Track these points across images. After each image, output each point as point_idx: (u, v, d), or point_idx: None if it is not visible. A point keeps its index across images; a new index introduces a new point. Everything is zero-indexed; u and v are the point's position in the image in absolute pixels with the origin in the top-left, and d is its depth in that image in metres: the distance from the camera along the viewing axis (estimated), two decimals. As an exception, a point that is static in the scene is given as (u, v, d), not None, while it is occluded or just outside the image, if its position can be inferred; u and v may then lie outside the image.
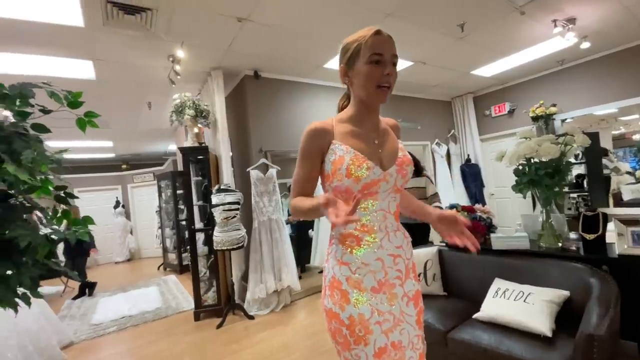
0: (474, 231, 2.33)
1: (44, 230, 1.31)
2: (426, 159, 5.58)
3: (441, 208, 2.93)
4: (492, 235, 2.22)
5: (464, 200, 5.46)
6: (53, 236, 1.17)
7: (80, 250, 4.60)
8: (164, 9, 2.38)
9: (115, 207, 7.49)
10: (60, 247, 4.86)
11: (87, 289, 4.64)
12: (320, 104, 4.18)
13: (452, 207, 2.74)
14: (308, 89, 4.14)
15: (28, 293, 1.21)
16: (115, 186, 7.80)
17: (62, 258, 4.87)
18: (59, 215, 1.40)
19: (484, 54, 3.98)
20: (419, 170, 3.10)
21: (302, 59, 3.56)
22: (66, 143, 5.86)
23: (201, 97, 4.06)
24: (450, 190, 5.51)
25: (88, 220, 1.45)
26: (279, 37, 3.01)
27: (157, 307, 3.88)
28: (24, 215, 1.16)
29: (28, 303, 1.20)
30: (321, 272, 2.63)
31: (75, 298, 4.51)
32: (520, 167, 2.09)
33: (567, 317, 1.64)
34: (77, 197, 1.44)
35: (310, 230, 4.51)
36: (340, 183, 0.91)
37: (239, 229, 3.24)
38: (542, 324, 1.59)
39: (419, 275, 2.31)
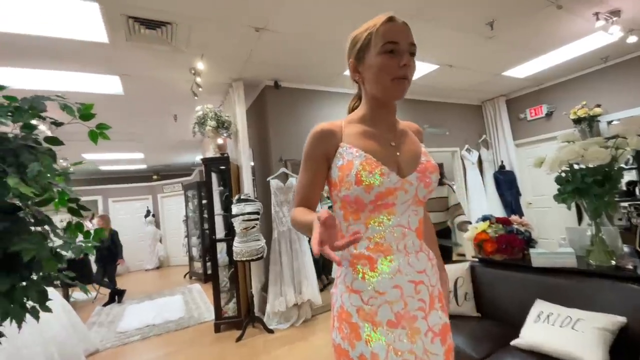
0: (510, 246, 2.11)
1: (58, 243, 1.31)
2: (456, 166, 5.30)
3: (467, 222, 2.69)
4: (531, 250, 1.98)
5: (499, 210, 5.09)
6: (60, 250, 1.15)
7: (110, 258, 4.76)
8: (183, 22, 2.42)
9: (146, 216, 7.78)
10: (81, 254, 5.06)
11: (116, 296, 4.78)
12: (341, 112, 4.06)
13: (485, 218, 2.50)
14: (328, 97, 4.08)
15: (37, 307, 1.19)
16: (147, 196, 8.13)
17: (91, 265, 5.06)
18: (72, 227, 1.39)
19: (517, 54, 3.72)
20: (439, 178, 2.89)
21: (321, 67, 3.50)
22: (101, 155, 6.20)
23: (223, 108, 4.11)
24: (483, 200, 5.17)
25: (98, 232, 1.43)
26: (298, 45, 2.97)
27: (180, 316, 3.90)
28: (34, 229, 1.15)
29: (36, 317, 1.19)
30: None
31: (105, 305, 4.66)
32: (564, 175, 1.86)
33: (623, 347, 1.40)
34: (88, 210, 1.43)
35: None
36: (349, 192, 0.77)
37: (259, 240, 3.19)
38: (595, 356, 1.36)
39: (451, 294, 2.11)
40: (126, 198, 7.90)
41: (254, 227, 3.16)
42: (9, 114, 1.10)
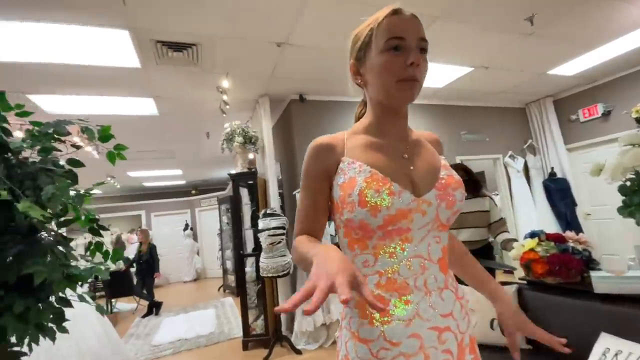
0: (565, 268, 1.81)
1: (82, 264, 1.33)
2: (498, 174, 4.89)
3: (513, 240, 2.38)
4: (593, 274, 1.68)
5: (551, 223, 4.58)
6: (73, 271, 1.15)
7: (149, 271, 4.97)
8: (207, 43, 2.48)
9: (185, 229, 8.13)
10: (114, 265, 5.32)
11: (154, 308, 4.96)
12: (369, 121, 3.97)
13: (533, 234, 2.19)
14: (354, 108, 3.98)
15: (54, 327, 1.20)
16: (185, 210, 8.52)
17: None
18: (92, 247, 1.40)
19: (563, 49, 3.37)
20: (477, 188, 2.54)
21: (346, 77, 3.41)
22: (144, 172, 6.61)
23: (251, 124, 4.18)
24: (532, 211, 4.68)
25: (117, 252, 1.44)
26: (320, 57, 2.93)
27: (210, 331, 3.92)
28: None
29: (52, 338, 1.19)
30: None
31: (144, 316, 4.84)
32: (629, 183, 1.57)
33: None
34: (107, 229, 1.45)
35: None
36: (353, 215, 0.64)
37: (285, 255, 3.11)
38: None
39: (491, 323, 1.86)
40: (167, 212, 8.33)
41: (280, 242, 3.10)
42: (27, 141, 1.14)
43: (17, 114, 1.25)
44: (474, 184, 2.53)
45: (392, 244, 0.65)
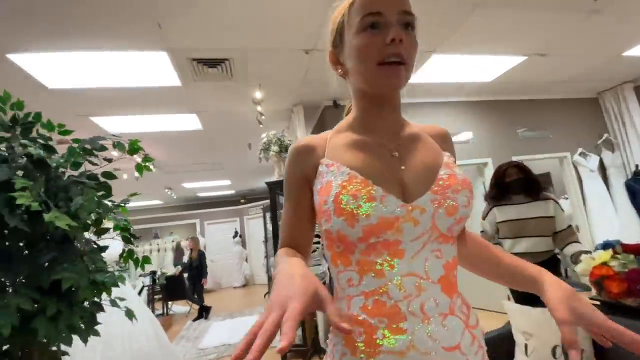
0: (647, 288, 1.47)
1: (114, 270, 1.41)
2: (567, 175, 4.29)
3: (585, 252, 1.99)
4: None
5: (636, 231, 3.85)
6: (98, 278, 1.23)
7: (198, 276, 5.27)
8: (237, 56, 2.57)
9: (234, 236, 8.53)
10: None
11: (203, 312, 5.22)
12: (407, 123, 3.78)
13: (606, 245, 1.83)
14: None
15: (83, 329, 1.28)
16: (235, 218, 8.96)
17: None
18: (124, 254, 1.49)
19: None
20: (537, 190, 2.17)
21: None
22: (196, 184, 7.11)
23: (288, 133, 4.24)
24: (612, 218, 3.99)
25: (145, 260, 1.51)
26: (351, 60, 2.87)
27: (253, 338, 3.98)
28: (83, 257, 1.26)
29: (85, 340, 1.27)
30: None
31: (195, 320, 5.12)
32: None
33: None
34: (137, 237, 1.53)
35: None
36: (330, 225, 0.56)
37: (320, 264, 3.05)
38: None
39: (553, 351, 1.57)
40: (218, 220, 8.84)
41: (314, 250, 3.04)
42: (64, 157, 1.25)
43: (59, 133, 1.40)
44: (532, 184, 2.19)
45: (378, 260, 0.55)
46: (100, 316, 1.32)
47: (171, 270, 6.51)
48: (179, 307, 5.85)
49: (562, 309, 0.50)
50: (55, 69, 2.38)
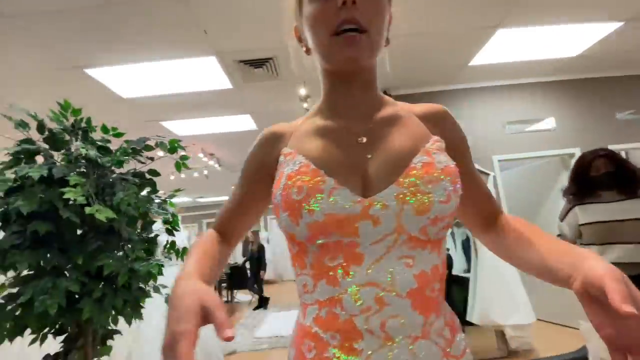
0: None
1: (158, 259, 1.55)
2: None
3: None
4: None
5: None
6: (135, 266, 1.34)
7: (259, 268, 5.57)
8: (280, 54, 2.60)
9: (296, 232, 8.82)
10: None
11: (262, 302, 5.51)
12: (464, 113, 3.38)
13: None
14: (449, 97, 3.46)
15: (130, 312, 1.42)
16: (296, 214, 9.26)
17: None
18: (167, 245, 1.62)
19: None
20: (633, 185, 1.71)
21: (436, 64, 3.03)
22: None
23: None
24: None
25: (185, 251, 1.63)
26: (402, 46, 2.66)
27: (305, 333, 4.04)
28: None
29: (129, 322, 1.41)
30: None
31: (255, 309, 5.43)
32: None
33: None
34: (178, 230, 1.65)
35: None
36: (279, 222, 0.51)
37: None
38: None
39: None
40: (279, 216, 9.24)
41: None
42: (111, 156, 1.40)
43: (113, 135, 1.57)
44: (627, 178, 1.73)
45: (331, 264, 0.46)
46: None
47: (240, 260, 7.02)
48: (244, 296, 6.28)
49: (601, 283, 0.35)
50: (127, 80, 2.72)
